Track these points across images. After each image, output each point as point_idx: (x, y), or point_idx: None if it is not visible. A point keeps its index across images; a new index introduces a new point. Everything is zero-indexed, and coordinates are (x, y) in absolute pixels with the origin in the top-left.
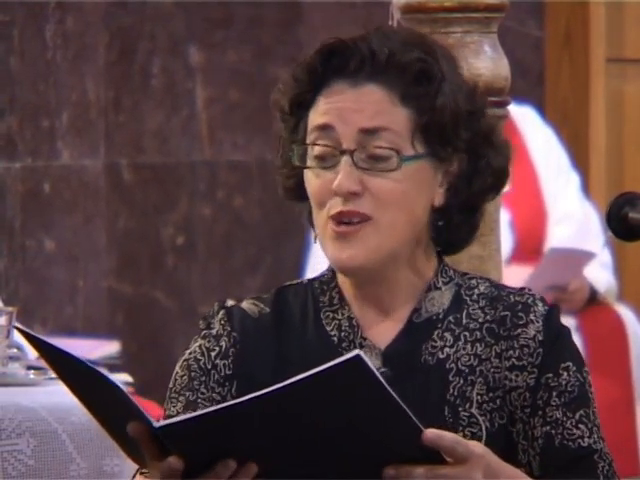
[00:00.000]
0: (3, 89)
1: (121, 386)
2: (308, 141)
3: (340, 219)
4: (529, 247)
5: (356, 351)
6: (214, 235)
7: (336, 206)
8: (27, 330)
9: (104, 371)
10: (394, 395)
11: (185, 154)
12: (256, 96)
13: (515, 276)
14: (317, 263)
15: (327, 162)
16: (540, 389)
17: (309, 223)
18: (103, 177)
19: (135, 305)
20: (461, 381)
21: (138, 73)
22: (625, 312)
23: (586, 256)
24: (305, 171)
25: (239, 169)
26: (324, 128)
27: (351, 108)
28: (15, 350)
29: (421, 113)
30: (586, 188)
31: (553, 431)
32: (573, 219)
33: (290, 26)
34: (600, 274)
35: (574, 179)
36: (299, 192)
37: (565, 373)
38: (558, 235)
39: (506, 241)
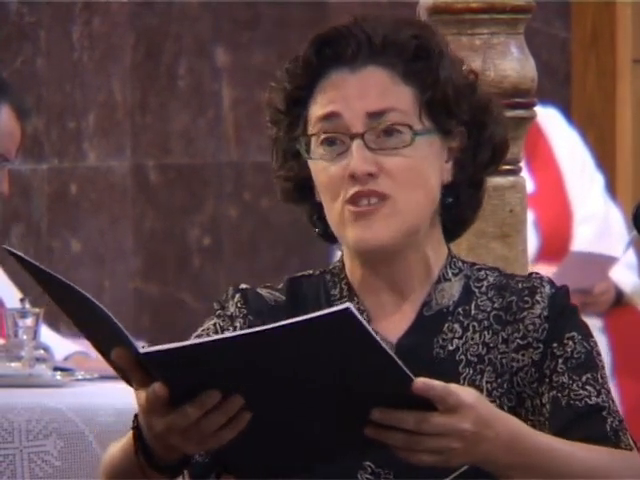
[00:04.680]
0: (30, 90)
1: (105, 309)
2: (311, 129)
3: (358, 200)
4: (554, 248)
5: (346, 304)
6: (240, 236)
7: (351, 190)
8: (18, 253)
9: (88, 294)
10: (384, 346)
11: (211, 155)
12: None
13: None
14: None
15: (336, 149)
16: (547, 359)
17: (311, 224)
18: (129, 178)
19: (161, 306)
20: (471, 371)
21: (164, 74)
22: None
23: (609, 260)
24: (312, 165)
25: (265, 170)
26: (330, 117)
27: (355, 94)
28: (42, 351)
29: (424, 89)
30: (613, 189)
31: (559, 394)
32: (595, 219)
33: (316, 27)
34: (625, 275)
35: (599, 179)
36: (298, 194)
37: (570, 342)
38: (579, 236)
39: (531, 242)
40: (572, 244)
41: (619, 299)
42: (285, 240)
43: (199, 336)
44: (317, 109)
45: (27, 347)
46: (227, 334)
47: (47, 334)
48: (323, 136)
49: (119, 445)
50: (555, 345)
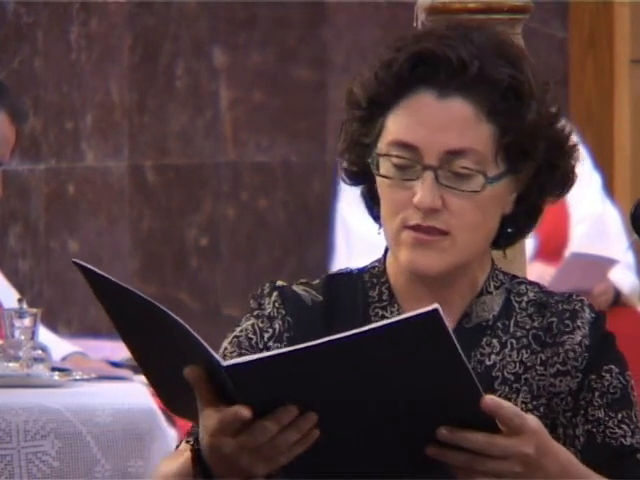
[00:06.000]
0: (27, 90)
1: (183, 322)
2: (384, 147)
3: (417, 229)
4: (551, 248)
5: (435, 305)
6: (238, 236)
7: (413, 218)
8: (85, 264)
9: (166, 309)
10: (463, 356)
11: (209, 155)
12: (280, 97)
13: (538, 273)
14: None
15: (406, 174)
16: (583, 390)
17: (363, 198)
18: (127, 178)
19: None
20: (506, 389)
21: (162, 74)
22: None
23: (609, 263)
24: (378, 178)
25: (263, 170)
26: (406, 146)
27: (437, 126)
28: (39, 352)
29: (505, 130)
30: (611, 189)
31: (595, 430)
32: (592, 219)
33: (314, 27)
34: (624, 275)
35: (596, 179)
36: (361, 178)
37: (608, 375)
38: (576, 236)
39: (528, 241)
40: (569, 244)
41: (617, 299)
42: (282, 240)
43: (237, 337)
44: (397, 129)
45: (25, 347)
46: (314, 342)
47: (45, 334)
48: (395, 160)
49: (173, 465)
50: (593, 377)
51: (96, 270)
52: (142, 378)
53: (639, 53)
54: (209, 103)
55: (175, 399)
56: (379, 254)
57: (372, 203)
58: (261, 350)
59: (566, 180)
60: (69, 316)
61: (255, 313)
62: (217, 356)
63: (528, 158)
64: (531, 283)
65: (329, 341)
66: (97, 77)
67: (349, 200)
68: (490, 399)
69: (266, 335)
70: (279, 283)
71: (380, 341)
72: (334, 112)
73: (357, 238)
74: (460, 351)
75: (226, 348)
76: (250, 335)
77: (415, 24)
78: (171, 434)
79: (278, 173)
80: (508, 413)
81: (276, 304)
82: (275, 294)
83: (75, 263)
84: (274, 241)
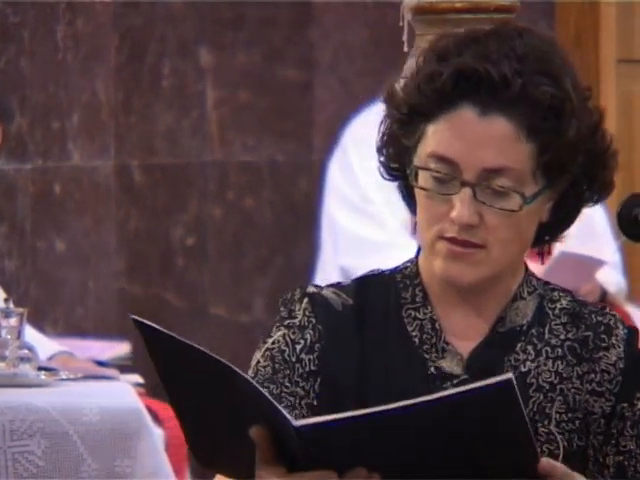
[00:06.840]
0: (14, 90)
1: (252, 381)
2: (423, 158)
3: (453, 243)
4: None
5: (509, 374)
6: (224, 236)
7: (449, 231)
8: (144, 321)
9: (236, 368)
10: (529, 424)
11: (195, 155)
12: (266, 97)
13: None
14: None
15: (444, 188)
16: (615, 417)
17: (400, 192)
18: (113, 178)
19: (145, 306)
20: (541, 397)
21: (148, 74)
22: (634, 312)
23: (597, 263)
24: (416, 189)
25: (249, 170)
26: (445, 160)
27: (477, 143)
28: (26, 351)
29: (546, 149)
30: None
31: (626, 462)
32: (580, 218)
33: (301, 27)
34: (610, 274)
35: None
36: (398, 172)
37: None
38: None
39: None
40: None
41: (603, 299)
42: (269, 240)
43: (270, 349)
44: (436, 143)
45: (11, 347)
46: (388, 406)
47: (31, 334)
48: (434, 174)
49: None
50: (625, 405)
51: (156, 326)
52: (129, 377)
53: (625, 53)
54: (195, 103)
55: (215, 455)
56: (367, 251)
57: (410, 199)
58: (294, 363)
59: (603, 188)
60: (55, 316)
61: (286, 323)
62: (289, 416)
63: (566, 172)
64: (563, 290)
65: (401, 407)
66: (83, 77)
67: (339, 197)
68: (546, 462)
69: (298, 347)
70: (310, 289)
71: (451, 407)
72: (321, 112)
73: (344, 235)
74: (527, 420)
75: (259, 362)
76: (282, 347)
77: (401, 24)
78: (157, 433)
79: (265, 173)
80: (560, 474)
81: (307, 312)
82: (305, 301)
83: (134, 320)
84: (261, 240)
